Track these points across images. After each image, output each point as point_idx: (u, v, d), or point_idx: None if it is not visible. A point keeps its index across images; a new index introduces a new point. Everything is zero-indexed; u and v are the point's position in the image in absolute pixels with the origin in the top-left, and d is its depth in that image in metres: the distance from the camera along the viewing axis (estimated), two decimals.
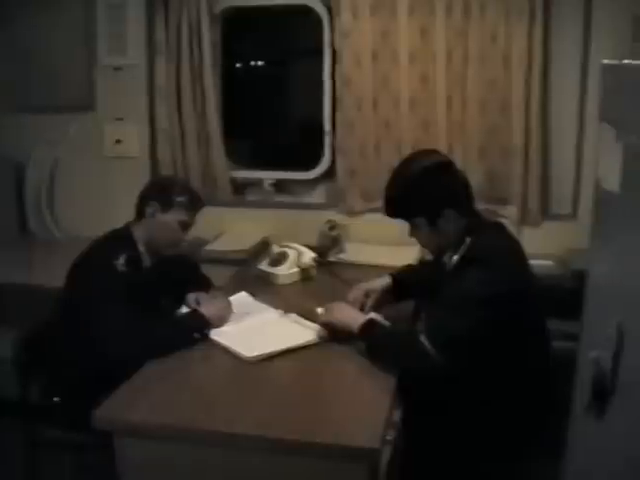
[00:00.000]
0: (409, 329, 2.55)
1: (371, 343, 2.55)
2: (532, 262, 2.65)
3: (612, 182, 1.01)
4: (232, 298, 2.99)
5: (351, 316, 2.67)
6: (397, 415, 2.38)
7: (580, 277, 1.42)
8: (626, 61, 1.00)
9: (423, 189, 2.53)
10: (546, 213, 3.92)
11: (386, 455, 2.18)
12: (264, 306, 3.03)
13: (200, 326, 2.70)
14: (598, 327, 1.05)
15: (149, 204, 2.86)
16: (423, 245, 2.76)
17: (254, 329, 2.79)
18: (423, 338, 2.36)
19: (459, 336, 2.35)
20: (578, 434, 1.26)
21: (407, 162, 2.66)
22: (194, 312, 2.79)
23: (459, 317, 2.37)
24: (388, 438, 2.19)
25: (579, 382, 1.21)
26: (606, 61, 1.11)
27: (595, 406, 1.01)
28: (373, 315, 2.65)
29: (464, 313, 2.37)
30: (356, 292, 2.95)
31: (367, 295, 2.94)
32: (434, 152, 2.77)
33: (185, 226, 2.91)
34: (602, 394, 0.99)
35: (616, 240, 1.06)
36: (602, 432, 1.03)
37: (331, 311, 2.73)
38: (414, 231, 2.64)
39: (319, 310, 2.81)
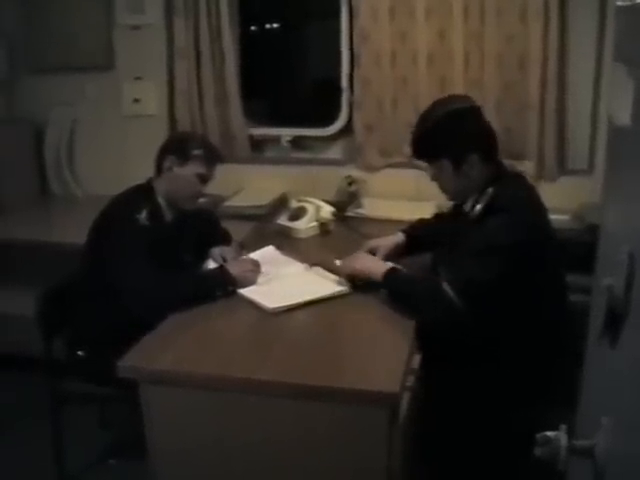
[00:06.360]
0: (431, 278, 2.55)
1: (393, 289, 2.57)
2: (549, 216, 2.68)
3: (624, 117, 1.04)
4: (259, 252, 3.02)
5: (372, 264, 2.71)
6: (416, 362, 2.41)
7: (596, 231, 1.44)
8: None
9: (449, 129, 2.53)
10: (563, 168, 3.91)
11: (405, 400, 2.22)
12: (290, 260, 3.04)
13: (224, 283, 2.70)
14: (611, 259, 1.08)
15: (167, 158, 2.90)
16: (444, 190, 2.73)
17: (278, 282, 2.81)
18: (445, 286, 2.38)
19: (481, 282, 2.36)
20: (592, 365, 1.30)
21: (437, 104, 2.65)
22: (221, 268, 2.80)
23: (481, 264, 2.39)
24: (407, 384, 2.22)
25: (593, 314, 1.24)
26: (620, 3, 1.13)
27: (609, 334, 1.04)
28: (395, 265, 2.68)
29: (486, 260, 2.39)
30: (363, 248, 2.97)
31: (375, 251, 2.95)
32: (466, 97, 2.76)
33: (203, 179, 2.93)
34: (615, 321, 1.02)
35: (629, 171, 1.08)
36: (615, 360, 1.06)
37: (351, 261, 2.76)
38: (437, 174, 2.65)
39: (337, 262, 2.83)
